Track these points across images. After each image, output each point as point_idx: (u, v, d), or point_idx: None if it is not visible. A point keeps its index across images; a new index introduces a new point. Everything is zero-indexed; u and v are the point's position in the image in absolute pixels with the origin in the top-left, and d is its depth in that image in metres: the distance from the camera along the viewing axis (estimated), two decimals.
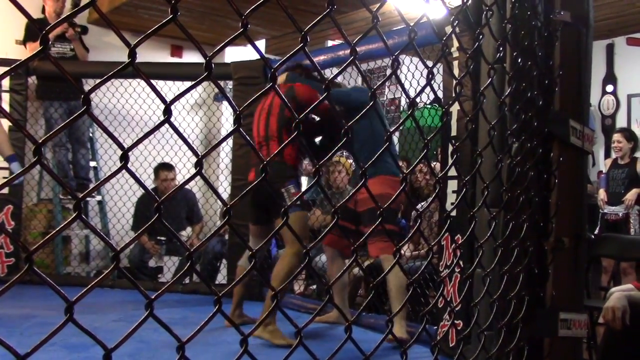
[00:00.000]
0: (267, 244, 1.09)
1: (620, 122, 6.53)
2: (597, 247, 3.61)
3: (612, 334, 2.29)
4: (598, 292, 3.96)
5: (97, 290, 0.78)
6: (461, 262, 2.67)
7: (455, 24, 1.21)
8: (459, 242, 2.67)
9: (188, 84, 0.77)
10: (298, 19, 0.83)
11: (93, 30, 5.19)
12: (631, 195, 4.88)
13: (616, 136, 5.17)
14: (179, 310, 3.77)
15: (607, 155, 6.20)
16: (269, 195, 2.94)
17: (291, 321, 0.89)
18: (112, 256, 0.67)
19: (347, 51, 0.92)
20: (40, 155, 0.62)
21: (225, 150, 5.14)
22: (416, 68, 3.54)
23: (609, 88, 6.68)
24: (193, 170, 0.74)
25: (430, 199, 2.48)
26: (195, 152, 0.74)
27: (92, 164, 5.29)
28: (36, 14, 4.88)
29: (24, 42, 4.90)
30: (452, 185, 2.83)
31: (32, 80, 4.97)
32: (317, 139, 3.55)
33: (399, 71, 1.04)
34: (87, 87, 0.66)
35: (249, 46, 0.87)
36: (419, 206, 3.93)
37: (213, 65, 0.74)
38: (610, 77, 6.70)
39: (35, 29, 4.45)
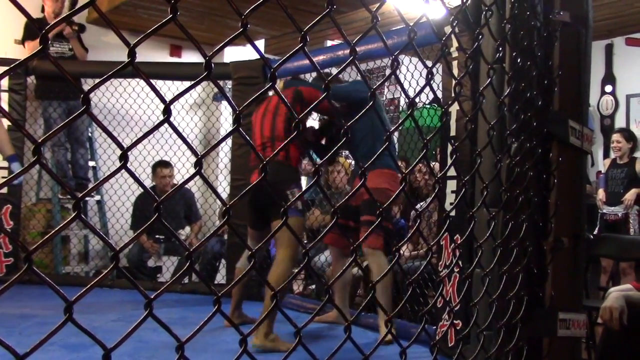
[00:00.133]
0: (265, 244, 1.09)
1: (619, 122, 6.54)
2: (596, 247, 3.61)
3: (610, 334, 2.29)
4: (597, 292, 3.96)
5: (96, 290, 0.78)
6: (460, 262, 2.67)
7: (454, 24, 1.21)
8: (458, 242, 2.68)
9: (187, 83, 0.77)
10: (297, 19, 0.83)
11: (92, 29, 5.18)
12: (630, 195, 4.88)
13: (615, 136, 5.17)
14: (178, 310, 3.77)
15: (606, 155, 6.20)
16: (269, 197, 2.91)
17: (291, 321, 0.89)
18: (112, 256, 0.67)
19: (347, 51, 0.92)
20: (39, 154, 0.62)
21: (225, 150, 5.14)
22: (415, 68, 3.54)
23: (608, 88, 6.69)
24: (192, 170, 0.74)
25: (429, 199, 2.48)
26: (194, 152, 0.74)
27: (91, 163, 5.28)
28: (36, 14, 4.87)
29: (22, 41, 4.89)
30: (452, 185, 2.83)
31: (31, 79, 4.97)
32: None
33: (398, 71, 1.04)
34: (86, 87, 0.66)
35: (249, 46, 0.87)
36: (418, 206, 3.94)
37: (212, 65, 0.74)
38: (609, 78, 6.71)
39: (34, 28, 4.45)
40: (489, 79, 1.40)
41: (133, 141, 0.71)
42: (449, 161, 1.45)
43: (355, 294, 4.24)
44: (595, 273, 4.54)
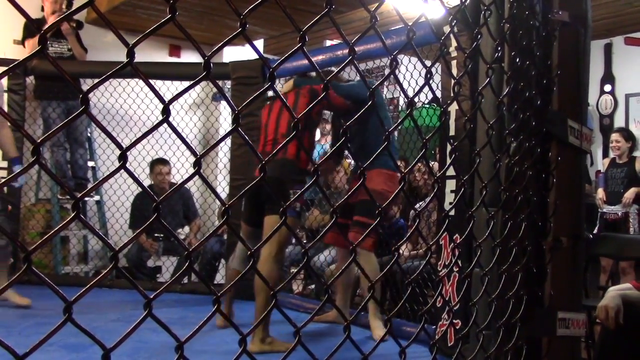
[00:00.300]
0: (262, 244, 1.08)
1: (618, 121, 6.54)
2: (596, 246, 3.61)
3: (607, 333, 2.29)
4: (596, 291, 3.96)
5: (96, 290, 0.78)
6: (459, 262, 2.67)
7: (453, 24, 1.21)
8: (458, 241, 2.68)
9: (186, 83, 0.77)
10: (296, 19, 0.83)
11: (91, 30, 5.18)
12: (630, 193, 4.89)
13: (614, 136, 5.17)
14: (178, 310, 3.77)
15: (605, 154, 6.21)
16: (268, 194, 2.89)
17: (290, 321, 0.89)
18: (111, 256, 0.67)
19: (346, 51, 0.92)
20: (38, 155, 0.62)
21: (224, 150, 5.13)
22: (414, 68, 3.54)
23: (607, 87, 6.69)
24: (191, 170, 0.74)
25: (428, 199, 2.48)
26: (193, 152, 0.74)
27: (90, 163, 5.28)
28: (35, 14, 4.86)
29: (22, 41, 4.89)
30: (451, 184, 2.83)
31: (30, 80, 4.96)
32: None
33: (397, 71, 1.04)
34: (85, 87, 0.66)
35: (247, 46, 0.87)
36: (417, 206, 3.94)
37: (211, 65, 0.74)
38: (608, 77, 6.71)
39: (33, 28, 4.44)
40: (488, 79, 1.40)
41: (132, 141, 0.71)
42: (448, 161, 1.45)
43: (355, 294, 4.24)
44: (594, 272, 4.54)
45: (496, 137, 1.48)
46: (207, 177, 0.81)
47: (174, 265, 5.09)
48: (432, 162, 3.79)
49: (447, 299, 2.74)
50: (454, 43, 2.82)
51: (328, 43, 6.39)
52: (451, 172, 2.59)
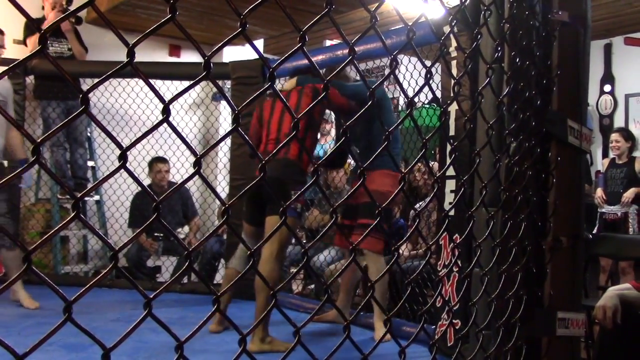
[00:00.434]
0: (263, 244, 1.08)
1: (618, 121, 6.54)
2: (595, 246, 3.61)
3: (605, 333, 2.29)
4: (596, 291, 3.96)
5: (95, 290, 0.78)
6: (459, 262, 2.67)
7: (453, 24, 1.21)
8: (457, 241, 2.68)
9: (186, 83, 0.77)
10: (296, 19, 0.83)
11: (91, 29, 5.17)
12: (630, 193, 4.89)
13: (614, 136, 5.17)
14: (177, 310, 3.77)
15: (605, 155, 6.21)
16: (272, 192, 2.87)
17: (290, 321, 0.89)
18: (111, 256, 0.67)
19: (346, 51, 0.92)
20: (38, 154, 0.62)
21: (224, 150, 5.13)
22: (414, 68, 3.54)
23: (607, 88, 6.69)
24: (191, 169, 0.74)
25: (428, 199, 2.48)
26: (193, 152, 0.74)
27: (90, 163, 5.28)
28: (36, 13, 4.86)
29: (24, 40, 4.88)
30: (450, 184, 2.83)
31: (30, 79, 4.96)
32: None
33: (397, 71, 1.04)
34: (85, 87, 0.66)
35: (247, 46, 0.87)
36: (417, 205, 3.94)
37: (211, 64, 0.74)
38: (608, 77, 6.71)
39: (33, 26, 4.44)
40: (488, 79, 1.40)
41: (132, 141, 0.71)
42: (448, 161, 1.46)
43: (355, 294, 4.24)
44: (594, 272, 4.54)
45: (496, 137, 1.48)
46: (207, 177, 0.80)
47: (173, 265, 5.09)
48: (432, 162, 3.79)
49: (446, 299, 2.74)
50: (453, 43, 2.82)
51: (328, 43, 6.40)
52: (451, 172, 2.59)
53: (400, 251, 1.56)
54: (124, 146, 0.68)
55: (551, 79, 1.80)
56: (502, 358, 1.52)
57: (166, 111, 0.70)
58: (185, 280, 4.69)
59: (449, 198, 2.84)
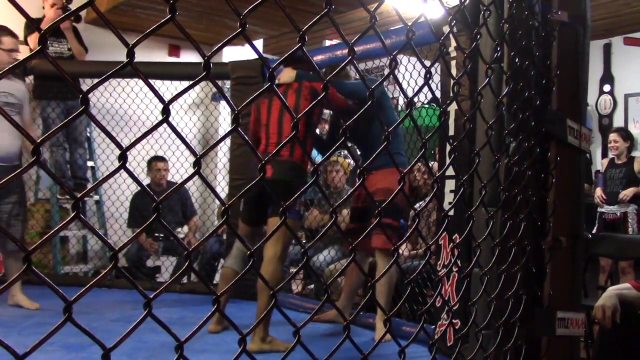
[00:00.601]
0: (264, 244, 1.08)
1: (618, 121, 6.55)
2: (595, 246, 3.62)
3: (605, 333, 2.29)
4: (596, 291, 3.97)
5: (95, 290, 0.78)
6: (459, 262, 2.67)
7: (453, 24, 1.21)
8: (457, 241, 2.68)
9: (186, 83, 0.77)
10: (296, 19, 0.83)
11: (91, 29, 5.17)
12: (629, 191, 4.89)
13: (612, 135, 5.17)
14: (177, 310, 3.77)
15: (605, 155, 6.21)
16: (272, 196, 2.86)
17: (290, 321, 0.89)
18: (111, 256, 0.67)
19: (345, 51, 0.92)
20: (38, 154, 0.62)
21: (223, 150, 5.13)
22: (414, 68, 3.54)
23: (606, 88, 6.69)
24: (191, 169, 0.74)
25: (428, 199, 2.48)
26: (193, 152, 0.74)
27: (90, 163, 5.28)
28: (36, 13, 4.85)
29: (25, 39, 4.88)
30: (450, 184, 2.84)
31: (30, 79, 4.96)
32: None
33: (396, 71, 1.05)
34: (84, 87, 0.66)
35: (247, 46, 0.87)
36: (417, 205, 3.94)
37: (211, 65, 0.74)
38: (607, 77, 6.72)
39: (33, 27, 4.42)
40: (487, 79, 1.40)
41: (132, 141, 0.71)
42: (448, 161, 1.46)
43: (356, 294, 4.24)
44: (594, 272, 4.55)
45: (495, 137, 1.49)
46: (207, 177, 0.81)
47: (173, 265, 5.09)
48: (432, 162, 3.79)
49: (446, 298, 2.75)
50: (453, 43, 2.82)
51: (328, 43, 6.40)
52: (450, 172, 2.59)
53: (400, 251, 1.56)
54: (124, 146, 0.68)
55: (550, 78, 1.80)
56: (501, 358, 1.52)
57: (166, 111, 0.70)
58: (184, 280, 4.69)
59: (449, 198, 2.84)
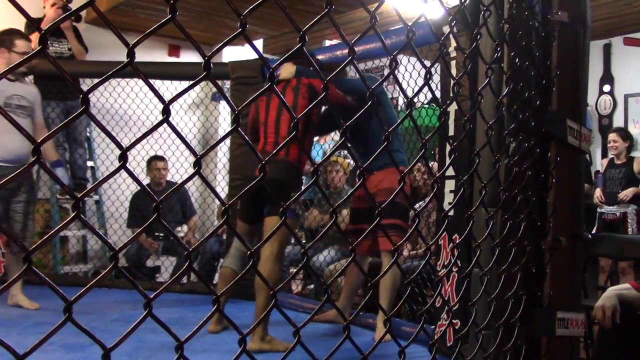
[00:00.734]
0: (262, 245, 1.08)
1: (617, 122, 6.55)
2: (595, 246, 3.62)
3: (605, 333, 2.29)
4: (595, 291, 3.97)
5: (95, 290, 0.78)
6: (459, 262, 2.67)
7: (453, 24, 1.21)
8: (457, 241, 2.68)
9: (186, 83, 0.78)
10: (296, 19, 0.83)
11: (91, 29, 5.17)
12: (628, 191, 4.89)
13: (612, 136, 5.17)
14: (177, 310, 3.77)
15: (604, 155, 6.21)
16: (269, 195, 2.86)
17: (289, 321, 0.89)
18: (111, 256, 0.67)
19: (345, 51, 0.92)
20: (38, 155, 0.62)
21: (223, 150, 5.13)
22: (414, 68, 3.54)
23: (606, 88, 6.69)
24: (190, 169, 0.74)
25: (428, 199, 2.48)
26: (193, 152, 0.74)
27: (90, 163, 5.28)
28: (36, 13, 4.85)
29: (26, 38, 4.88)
30: (450, 184, 2.83)
31: (30, 79, 4.95)
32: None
33: (396, 71, 1.05)
34: (84, 87, 0.66)
35: (247, 46, 0.87)
36: (417, 205, 3.94)
37: (211, 65, 0.74)
38: (607, 77, 6.72)
39: (33, 27, 4.42)
40: (487, 79, 1.40)
41: (132, 141, 0.71)
42: (448, 161, 1.46)
43: (356, 294, 4.24)
44: (594, 272, 4.55)
45: (495, 137, 1.49)
46: (207, 177, 0.81)
47: (173, 265, 5.09)
48: (432, 162, 3.79)
49: (446, 299, 2.75)
50: (453, 43, 2.82)
51: (328, 43, 6.40)
52: (450, 172, 2.59)
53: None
54: (124, 146, 0.68)
55: (550, 79, 1.81)
56: (501, 358, 1.52)
57: (166, 111, 0.70)
58: (184, 280, 4.69)
59: (449, 198, 2.84)
